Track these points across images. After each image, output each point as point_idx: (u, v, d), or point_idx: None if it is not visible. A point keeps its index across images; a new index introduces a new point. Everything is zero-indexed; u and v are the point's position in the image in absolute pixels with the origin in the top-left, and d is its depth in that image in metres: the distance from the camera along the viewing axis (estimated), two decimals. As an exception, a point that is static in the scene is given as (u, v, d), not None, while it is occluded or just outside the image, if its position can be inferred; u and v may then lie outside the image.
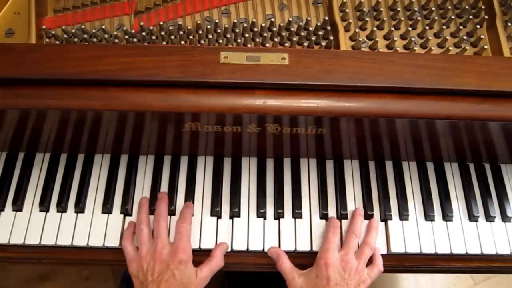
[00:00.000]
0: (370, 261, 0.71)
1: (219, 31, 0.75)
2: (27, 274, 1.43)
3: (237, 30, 0.76)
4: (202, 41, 0.75)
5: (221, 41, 0.75)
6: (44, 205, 0.75)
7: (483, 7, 0.77)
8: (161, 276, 0.64)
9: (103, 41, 0.76)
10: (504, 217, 0.76)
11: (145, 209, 0.73)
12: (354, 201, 0.77)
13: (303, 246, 0.72)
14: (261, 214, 0.75)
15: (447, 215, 0.75)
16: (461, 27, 0.77)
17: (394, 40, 0.75)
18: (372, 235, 0.72)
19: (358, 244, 0.72)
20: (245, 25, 0.76)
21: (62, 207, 0.75)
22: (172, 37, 0.75)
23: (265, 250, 0.72)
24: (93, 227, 0.73)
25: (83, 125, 0.69)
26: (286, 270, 0.69)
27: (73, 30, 0.76)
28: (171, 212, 0.74)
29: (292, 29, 0.75)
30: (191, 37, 0.75)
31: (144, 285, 0.65)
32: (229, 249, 0.72)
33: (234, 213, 0.75)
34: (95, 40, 0.75)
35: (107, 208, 0.75)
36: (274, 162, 0.79)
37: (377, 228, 0.73)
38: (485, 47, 0.73)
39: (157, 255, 0.66)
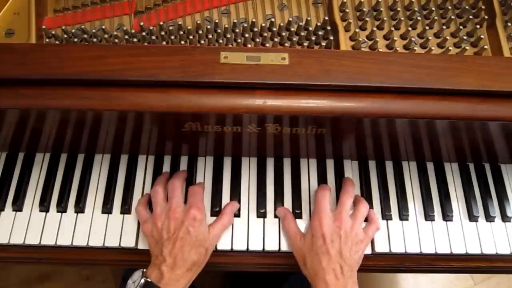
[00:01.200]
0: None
1: (219, 31, 0.75)
2: (27, 274, 1.43)
3: (237, 30, 0.76)
4: (202, 41, 0.75)
5: (221, 41, 0.75)
6: (44, 205, 0.75)
7: (483, 7, 0.77)
8: (176, 233, 0.65)
9: (103, 41, 0.76)
10: (504, 217, 0.76)
11: (164, 176, 0.75)
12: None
13: (303, 246, 0.72)
14: (261, 214, 0.75)
15: (447, 215, 0.75)
16: (461, 27, 0.77)
17: (394, 40, 0.75)
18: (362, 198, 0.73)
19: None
20: (245, 25, 0.76)
21: (62, 207, 0.75)
22: (172, 37, 0.75)
23: (266, 250, 0.72)
24: (93, 227, 0.74)
25: (83, 125, 0.69)
26: (291, 231, 0.70)
27: (73, 30, 0.76)
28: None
29: (292, 29, 0.75)
30: (191, 37, 0.75)
31: (159, 243, 0.66)
32: (229, 249, 0.72)
33: (234, 213, 0.75)
34: (95, 40, 0.75)
35: (107, 208, 0.75)
36: (274, 162, 0.79)
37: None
38: (485, 47, 0.73)
39: (171, 213, 0.67)
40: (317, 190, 0.73)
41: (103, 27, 0.75)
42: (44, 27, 0.76)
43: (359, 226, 0.69)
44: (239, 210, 0.75)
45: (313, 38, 0.75)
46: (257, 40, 0.75)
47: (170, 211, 0.68)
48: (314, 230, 0.67)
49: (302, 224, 0.74)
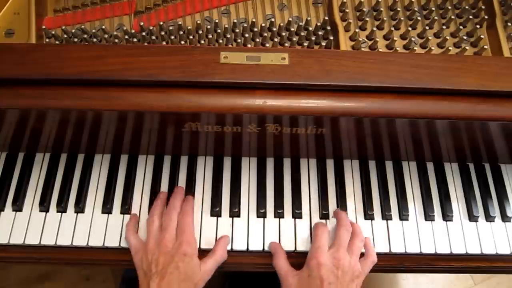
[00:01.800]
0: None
1: (219, 31, 0.75)
2: (27, 274, 1.43)
3: (237, 30, 0.76)
4: (202, 41, 0.75)
5: (221, 41, 0.75)
6: (44, 205, 0.75)
7: (483, 7, 0.77)
8: (165, 268, 0.64)
9: (103, 41, 0.76)
10: (504, 217, 0.76)
11: (162, 202, 0.73)
12: (354, 201, 0.77)
13: (303, 246, 0.72)
14: (261, 214, 0.75)
15: (447, 215, 0.75)
16: (461, 27, 0.77)
17: (394, 40, 0.75)
18: (357, 225, 0.72)
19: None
20: (245, 25, 0.76)
21: (62, 207, 0.75)
22: (172, 37, 0.75)
23: (265, 250, 0.72)
24: (93, 227, 0.73)
25: (83, 125, 0.69)
26: (281, 269, 0.68)
27: (73, 30, 0.76)
28: (171, 212, 0.75)
29: (292, 29, 0.75)
30: (191, 37, 0.75)
31: (147, 276, 0.64)
32: (229, 249, 0.72)
33: (234, 213, 0.75)
34: (95, 40, 0.75)
35: (107, 208, 0.75)
36: (274, 162, 0.79)
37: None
38: (485, 47, 0.73)
39: (162, 247, 0.66)
40: (316, 226, 0.71)
41: (103, 27, 0.75)
42: (44, 27, 0.76)
43: (356, 261, 0.67)
44: (239, 210, 0.75)
45: (313, 38, 0.75)
46: (257, 40, 0.75)
47: (161, 245, 0.66)
48: (311, 270, 0.65)
49: (302, 223, 0.74)
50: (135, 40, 0.75)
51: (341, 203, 0.76)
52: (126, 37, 0.74)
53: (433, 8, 0.78)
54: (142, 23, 0.74)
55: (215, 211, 0.75)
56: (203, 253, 0.70)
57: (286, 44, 0.75)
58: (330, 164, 0.80)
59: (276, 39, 0.76)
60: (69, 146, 0.78)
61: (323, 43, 0.75)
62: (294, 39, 0.75)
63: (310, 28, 0.76)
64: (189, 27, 0.75)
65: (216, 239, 0.73)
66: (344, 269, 0.65)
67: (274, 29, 0.75)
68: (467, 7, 0.78)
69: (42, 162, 0.79)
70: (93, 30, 0.75)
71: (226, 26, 0.75)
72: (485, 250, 0.73)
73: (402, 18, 0.77)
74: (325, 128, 0.68)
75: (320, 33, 0.75)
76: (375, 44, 0.74)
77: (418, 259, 0.74)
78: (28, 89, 0.62)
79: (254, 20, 0.75)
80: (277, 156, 0.79)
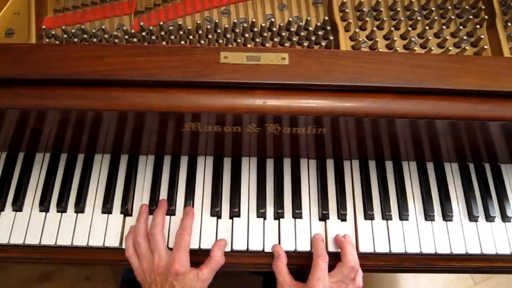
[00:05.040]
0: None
1: (219, 31, 0.75)
2: (27, 274, 1.43)
3: (237, 30, 0.76)
4: (202, 41, 0.76)
5: (221, 41, 0.75)
6: (44, 205, 0.75)
7: (483, 7, 0.77)
8: (163, 287, 0.66)
9: (103, 41, 0.76)
10: (504, 217, 0.76)
11: (144, 218, 0.73)
12: (354, 201, 0.77)
13: (303, 246, 0.72)
14: (261, 214, 0.75)
15: (447, 215, 0.75)
16: (461, 27, 0.77)
17: (394, 40, 0.75)
18: (355, 257, 0.70)
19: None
20: (245, 25, 0.76)
21: (62, 207, 0.75)
22: (172, 37, 0.75)
23: (265, 250, 0.72)
24: (93, 227, 0.73)
25: (83, 125, 0.69)
26: (279, 274, 0.69)
27: (73, 30, 0.76)
28: (171, 212, 0.75)
29: (292, 29, 0.75)
30: (191, 37, 0.75)
31: None
32: (229, 249, 0.72)
33: (234, 213, 0.75)
34: (95, 40, 0.76)
35: (107, 208, 0.75)
36: (274, 162, 0.79)
37: (351, 243, 0.72)
38: (485, 47, 0.73)
39: (155, 269, 0.67)
40: (316, 253, 0.70)
41: (103, 27, 0.75)
42: (44, 27, 0.76)
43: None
44: (239, 210, 0.75)
45: (313, 38, 0.75)
46: (257, 40, 0.75)
47: (154, 267, 0.67)
48: None
49: (302, 223, 0.74)
50: (135, 40, 0.75)
51: (341, 203, 0.76)
52: (126, 37, 0.74)
53: (433, 8, 0.78)
54: (142, 23, 0.74)
55: (215, 211, 0.75)
56: (202, 253, 0.71)
57: (286, 44, 0.75)
58: (330, 164, 0.80)
59: (276, 39, 0.76)
60: (69, 146, 0.78)
61: (323, 43, 0.75)
62: (294, 39, 0.75)
63: (310, 28, 0.76)
64: (189, 27, 0.75)
65: (216, 239, 0.73)
66: None
67: (274, 29, 0.75)
68: (467, 7, 0.78)
69: (42, 162, 0.79)
70: (93, 30, 0.75)
71: (226, 26, 0.75)
72: (485, 250, 0.73)
73: (402, 18, 0.77)
74: (325, 128, 0.68)
75: (320, 33, 0.75)
76: (375, 44, 0.74)
77: (418, 259, 0.74)
78: (28, 89, 0.62)
79: (254, 20, 0.75)
80: (277, 156, 0.79)
